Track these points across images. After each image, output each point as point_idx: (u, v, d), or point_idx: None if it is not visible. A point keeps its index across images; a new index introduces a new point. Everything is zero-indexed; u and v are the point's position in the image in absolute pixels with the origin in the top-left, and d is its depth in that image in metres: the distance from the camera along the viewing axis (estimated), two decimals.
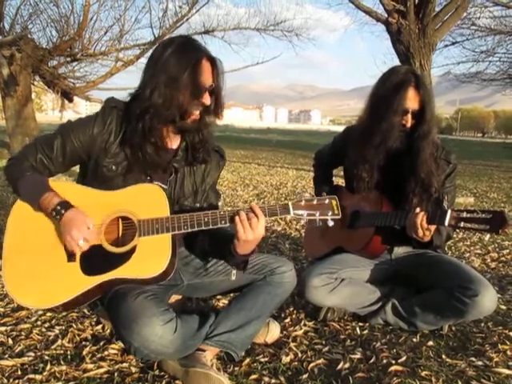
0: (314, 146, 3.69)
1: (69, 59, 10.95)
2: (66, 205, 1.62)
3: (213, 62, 1.71)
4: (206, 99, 1.70)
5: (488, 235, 4.34)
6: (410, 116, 2.12)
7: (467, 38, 14.23)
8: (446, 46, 13.87)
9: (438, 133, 2.26)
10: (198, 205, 1.88)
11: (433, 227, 1.98)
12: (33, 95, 11.31)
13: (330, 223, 1.66)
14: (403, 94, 2.08)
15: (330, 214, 1.66)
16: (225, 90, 1.75)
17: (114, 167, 1.74)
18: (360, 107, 2.36)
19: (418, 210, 1.99)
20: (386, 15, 7.34)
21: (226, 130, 39.83)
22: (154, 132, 1.70)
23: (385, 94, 2.15)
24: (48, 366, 1.79)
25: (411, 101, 2.10)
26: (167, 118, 1.68)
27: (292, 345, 2.05)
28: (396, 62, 7.51)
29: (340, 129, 2.95)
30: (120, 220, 1.69)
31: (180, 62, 1.65)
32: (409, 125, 2.13)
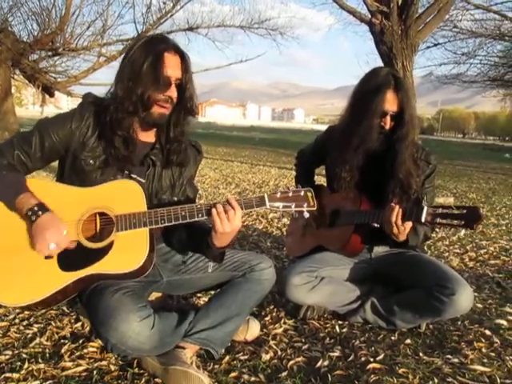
0: (297, 145, 3.72)
1: (50, 53, 10.82)
2: (43, 207, 1.61)
3: (181, 56, 1.72)
4: (172, 92, 1.70)
5: (463, 232, 4.43)
6: (388, 118, 2.14)
7: (449, 39, 14.44)
8: (428, 47, 14.02)
9: (420, 133, 2.29)
10: (175, 198, 1.89)
11: (408, 225, 2.00)
12: (13, 89, 11.13)
13: (306, 214, 1.69)
14: (382, 97, 2.10)
15: (305, 205, 1.68)
16: (193, 86, 1.75)
17: (91, 161, 1.73)
18: (343, 106, 2.38)
19: (393, 204, 1.99)
20: (370, 16, 7.39)
21: (208, 127, 39.71)
22: (120, 124, 1.70)
23: (364, 96, 2.17)
24: (26, 365, 1.77)
25: (390, 103, 2.12)
26: (128, 108, 1.68)
27: (272, 343, 2.06)
28: (379, 62, 7.55)
29: (323, 128, 2.97)
30: (97, 216, 1.68)
31: (143, 54, 1.66)
32: (387, 127, 2.16)
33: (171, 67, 1.68)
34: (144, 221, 1.63)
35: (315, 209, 1.70)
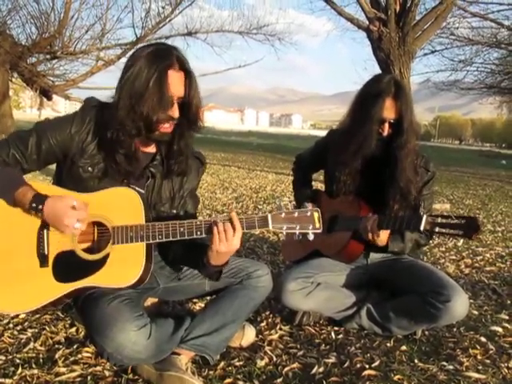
0: (295, 150, 3.71)
1: (48, 57, 10.82)
2: (39, 198, 1.57)
3: (186, 72, 1.64)
4: (174, 112, 1.63)
5: (462, 241, 4.43)
6: (387, 125, 2.15)
7: (446, 47, 14.54)
8: (426, 54, 14.12)
9: (417, 139, 2.29)
10: (174, 211, 1.84)
11: (384, 233, 2.06)
12: (10, 92, 11.12)
13: (311, 237, 1.59)
14: (381, 104, 2.11)
15: (310, 227, 1.59)
16: (198, 101, 1.67)
17: (90, 168, 1.69)
18: (341, 112, 2.40)
19: (370, 214, 2.06)
20: (368, 22, 7.44)
21: (206, 132, 39.67)
22: (122, 144, 1.65)
23: (364, 102, 2.18)
24: (19, 370, 1.75)
25: (388, 111, 2.12)
26: (131, 131, 1.62)
27: (267, 349, 2.06)
28: (377, 68, 7.61)
29: (321, 133, 2.99)
30: (95, 225, 1.66)
31: (145, 70, 1.58)
32: (386, 134, 2.16)
33: (174, 86, 1.60)
34: (141, 235, 1.59)
35: (321, 231, 1.60)
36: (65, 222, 1.54)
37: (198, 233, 1.60)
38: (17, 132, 1.76)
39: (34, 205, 1.56)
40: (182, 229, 1.60)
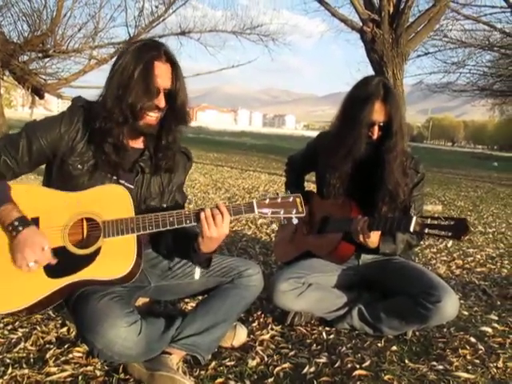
0: (288, 151, 3.73)
1: (40, 55, 10.73)
2: (24, 221, 1.57)
3: (172, 64, 1.69)
4: (160, 101, 1.67)
5: (451, 242, 4.47)
6: (376, 128, 2.16)
7: (439, 49, 14.64)
8: (419, 56, 14.21)
9: (410, 140, 2.31)
10: (164, 205, 1.88)
11: (375, 234, 2.07)
12: (2, 90, 11.04)
13: (295, 221, 1.69)
14: (370, 107, 2.11)
15: (294, 211, 1.68)
16: (185, 94, 1.72)
17: (79, 166, 1.71)
18: (334, 113, 2.39)
19: (359, 216, 2.08)
20: (361, 24, 7.47)
21: (199, 132, 39.67)
22: (110, 133, 1.68)
23: (353, 105, 2.19)
24: (9, 370, 1.75)
25: (377, 113, 2.13)
26: (117, 118, 1.65)
27: (258, 349, 2.06)
28: (370, 69, 7.63)
29: (313, 134, 3.00)
30: (84, 221, 1.67)
31: (133, 62, 1.63)
32: (375, 137, 2.17)
33: (161, 76, 1.65)
34: (131, 227, 1.62)
35: (304, 215, 1.70)
36: (25, 253, 1.53)
37: (188, 221, 1.65)
38: (6, 136, 1.78)
39: (16, 223, 1.55)
40: (171, 218, 1.64)
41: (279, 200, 1.68)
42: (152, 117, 1.70)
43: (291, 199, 1.69)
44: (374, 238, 2.10)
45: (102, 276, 1.61)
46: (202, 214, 1.63)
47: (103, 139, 1.69)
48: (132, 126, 1.71)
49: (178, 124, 1.79)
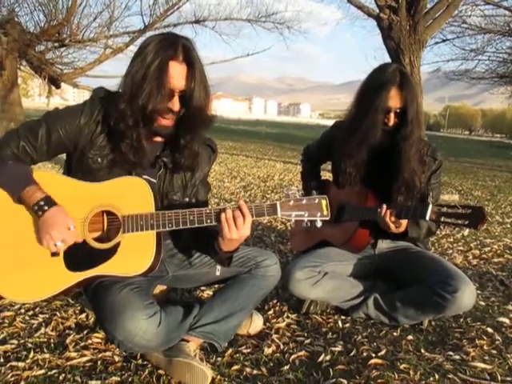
0: (303, 140, 3.71)
1: (56, 45, 10.82)
2: (49, 201, 1.58)
3: (189, 63, 1.61)
4: (174, 105, 1.62)
5: (467, 231, 4.42)
6: (392, 115, 2.14)
7: (457, 35, 14.31)
8: (437, 43, 13.92)
9: (426, 129, 2.29)
10: (187, 199, 1.85)
11: (404, 221, 2.06)
12: (19, 80, 11.15)
13: (319, 224, 1.61)
14: (385, 93, 2.10)
15: (318, 214, 1.61)
16: (202, 95, 1.64)
17: (99, 159, 1.69)
18: (350, 101, 2.37)
19: (384, 207, 2.06)
20: (378, 11, 7.35)
21: (214, 120, 39.48)
22: (124, 134, 1.64)
23: (369, 91, 2.17)
24: (31, 354, 1.79)
25: (393, 100, 2.11)
26: (128, 121, 1.61)
27: (274, 336, 2.08)
28: (387, 57, 7.51)
29: (329, 122, 2.98)
30: (105, 214, 1.66)
31: (148, 60, 1.56)
32: (391, 123, 2.15)
33: (175, 78, 1.59)
34: (151, 223, 1.60)
35: (328, 218, 1.62)
36: (52, 233, 1.53)
37: (208, 221, 1.61)
38: (27, 123, 1.75)
39: (41, 203, 1.56)
40: (191, 217, 1.61)
41: (304, 201, 1.61)
42: (167, 119, 1.66)
43: (317, 201, 1.62)
44: (404, 225, 2.09)
45: (120, 272, 1.61)
46: (223, 216, 1.58)
47: (120, 139, 1.66)
48: (145, 129, 1.66)
49: (196, 126, 1.72)
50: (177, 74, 1.59)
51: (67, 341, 1.92)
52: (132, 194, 1.65)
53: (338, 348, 2.01)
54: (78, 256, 1.60)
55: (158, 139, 1.78)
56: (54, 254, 1.60)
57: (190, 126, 1.71)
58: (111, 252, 1.61)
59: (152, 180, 1.75)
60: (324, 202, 1.62)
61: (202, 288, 2.51)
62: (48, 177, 1.68)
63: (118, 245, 1.61)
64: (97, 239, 1.64)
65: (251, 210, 1.60)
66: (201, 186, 1.91)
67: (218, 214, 1.60)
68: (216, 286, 2.08)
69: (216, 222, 1.61)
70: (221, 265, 1.83)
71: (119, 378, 1.68)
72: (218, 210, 1.61)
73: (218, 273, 1.87)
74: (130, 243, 1.61)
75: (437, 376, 1.82)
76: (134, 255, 1.61)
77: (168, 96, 1.60)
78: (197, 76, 1.61)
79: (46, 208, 1.56)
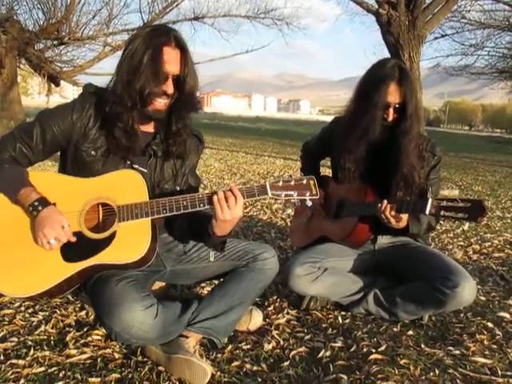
0: (303, 136, 3.71)
1: (56, 43, 10.81)
2: (44, 202, 1.62)
3: (182, 49, 1.68)
4: (168, 87, 1.67)
5: (468, 225, 4.43)
6: (391, 110, 2.14)
7: (457, 30, 14.28)
8: (436, 38, 13.88)
9: (426, 125, 2.28)
10: (178, 188, 1.89)
11: (404, 216, 2.05)
12: (19, 78, 11.15)
13: (309, 203, 1.68)
14: (385, 89, 2.09)
15: (308, 194, 1.67)
16: (194, 80, 1.71)
17: (93, 152, 1.74)
18: (349, 97, 2.37)
19: (385, 202, 2.06)
20: (377, 6, 7.33)
21: (214, 117, 39.60)
22: (120, 117, 1.69)
23: (368, 87, 2.17)
24: (31, 352, 1.79)
25: (392, 95, 2.11)
26: (126, 103, 1.66)
27: (274, 333, 2.08)
28: (386, 53, 7.50)
29: (329, 119, 2.97)
30: (100, 206, 1.69)
31: (142, 47, 1.63)
32: (390, 119, 2.15)
33: (169, 62, 1.65)
34: (146, 211, 1.64)
35: (318, 197, 1.68)
36: (45, 231, 1.57)
37: (201, 205, 1.66)
38: (21, 125, 1.81)
39: (36, 203, 1.61)
40: (185, 202, 1.65)
41: (292, 182, 1.68)
42: (160, 102, 1.70)
43: (305, 181, 1.68)
44: (404, 220, 2.09)
45: (117, 260, 1.64)
46: (215, 197, 1.63)
47: (113, 124, 1.70)
48: (140, 111, 1.71)
49: (187, 110, 1.79)
50: (171, 58, 1.66)
51: (67, 338, 1.91)
52: (126, 185, 1.69)
53: (338, 344, 2.01)
54: (75, 247, 1.62)
55: (150, 129, 1.83)
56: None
57: (182, 112, 1.77)
58: (107, 241, 1.63)
59: (143, 169, 1.79)
60: (312, 182, 1.69)
61: (202, 285, 2.51)
62: (43, 177, 1.73)
63: (113, 234, 1.64)
64: (93, 230, 1.66)
65: (242, 191, 1.66)
66: (190, 175, 1.96)
67: (210, 197, 1.65)
68: (215, 281, 2.08)
69: (209, 205, 1.65)
70: (215, 249, 1.85)
71: (119, 375, 1.68)
72: (210, 193, 1.66)
73: (212, 258, 1.90)
74: (126, 232, 1.64)
75: (437, 371, 1.82)
76: (130, 243, 1.64)
77: (163, 79, 1.66)
78: (189, 61, 1.69)
79: (40, 208, 1.61)
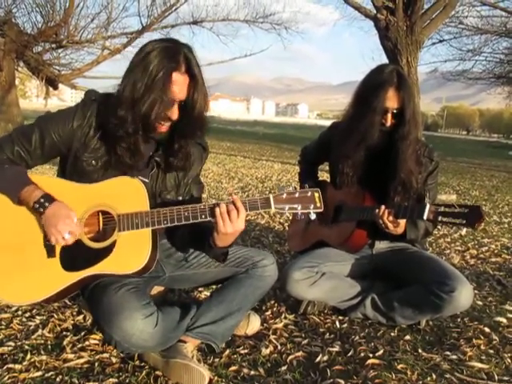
0: (301, 140, 3.72)
1: (54, 46, 10.80)
2: (49, 198, 1.59)
3: (191, 75, 1.62)
4: (173, 113, 1.64)
5: (465, 230, 4.44)
6: (389, 115, 2.15)
7: (454, 36, 14.36)
8: (434, 43, 13.96)
9: (424, 129, 2.29)
10: (180, 198, 1.86)
11: (402, 221, 2.06)
12: (16, 81, 11.14)
13: (313, 216, 1.64)
14: (383, 93, 2.10)
15: (312, 207, 1.63)
16: (201, 105, 1.66)
17: (93, 162, 1.70)
18: (347, 102, 2.38)
19: (382, 207, 2.06)
20: (375, 11, 7.36)
21: (212, 121, 39.49)
22: (122, 139, 1.64)
23: (367, 92, 2.18)
24: (28, 356, 1.79)
25: (391, 101, 2.12)
26: (129, 129, 1.61)
27: (272, 337, 2.08)
28: (384, 57, 7.53)
29: (327, 123, 2.98)
30: (100, 214, 1.67)
31: (150, 72, 1.56)
32: (388, 124, 2.16)
33: (177, 89, 1.60)
34: (146, 221, 1.61)
35: (322, 210, 1.64)
36: (58, 227, 1.55)
37: (203, 216, 1.62)
38: (20, 127, 1.77)
39: (42, 200, 1.58)
40: (186, 213, 1.62)
41: (297, 194, 1.63)
42: (164, 125, 1.67)
43: (309, 194, 1.64)
44: (402, 225, 2.10)
45: (116, 270, 1.62)
46: (217, 210, 1.59)
47: (116, 142, 1.66)
48: (144, 137, 1.68)
49: (192, 132, 1.75)
50: (179, 84, 1.60)
51: (64, 342, 1.91)
52: (127, 193, 1.65)
53: (336, 348, 2.01)
54: (75, 256, 1.61)
55: (152, 141, 1.78)
56: (51, 254, 1.61)
57: (187, 132, 1.73)
58: (107, 251, 1.61)
59: (144, 180, 1.75)
60: (316, 195, 1.64)
61: (200, 289, 2.51)
62: (42, 180, 1.69)
63: (113, 244, 1.61)
64: (93, 239, 1.64)
65: (245, 203, 1.62)
66: (193, 184, 1.93)
67: (212, 209, 1.61)
68: (214, 286, 2.08)
69: (210, 217, 1.62)
70: (216, 260, 1.84)
71: (116, 380, 1.68)
72: (212, 205, 1.62)
73: (213, 268, 1.89)
74: (126, 242, 1.62)
75: (434, 376, 1.82)
76: (130, 253, 1.62)
77: (169, 106, 1.61)
78: (198, 86, 1.63)
79: (46, 204, 1.58)
